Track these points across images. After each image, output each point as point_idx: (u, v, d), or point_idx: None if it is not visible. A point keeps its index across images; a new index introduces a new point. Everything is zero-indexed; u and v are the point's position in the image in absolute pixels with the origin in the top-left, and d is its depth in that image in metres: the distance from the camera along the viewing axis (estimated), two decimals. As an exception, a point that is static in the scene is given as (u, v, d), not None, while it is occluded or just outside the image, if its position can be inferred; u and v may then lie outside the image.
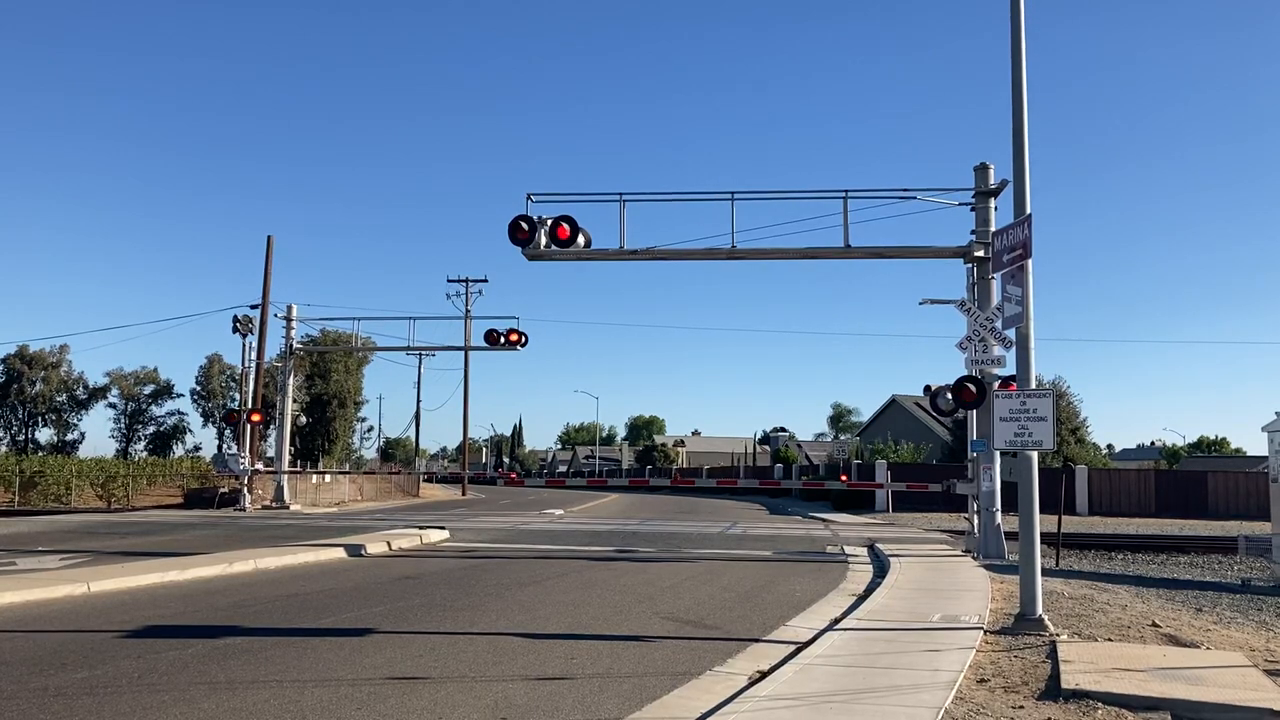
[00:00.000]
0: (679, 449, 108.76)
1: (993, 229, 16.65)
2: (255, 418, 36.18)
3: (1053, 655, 8.39)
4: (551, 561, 16.84)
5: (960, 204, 18.80)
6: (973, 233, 18.60)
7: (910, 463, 45.47)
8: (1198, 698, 6.81)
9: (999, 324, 16.53)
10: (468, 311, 43.79)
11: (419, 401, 79.37)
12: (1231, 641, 9.60)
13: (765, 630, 10.11)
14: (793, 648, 8.95)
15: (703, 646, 9.14)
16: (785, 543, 21.75)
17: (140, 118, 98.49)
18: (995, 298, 16.82)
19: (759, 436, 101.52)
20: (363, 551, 17.65)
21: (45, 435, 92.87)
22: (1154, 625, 10.30)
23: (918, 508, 35.98)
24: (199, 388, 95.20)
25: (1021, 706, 6.77)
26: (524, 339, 31.08)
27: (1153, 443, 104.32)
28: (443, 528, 22.44)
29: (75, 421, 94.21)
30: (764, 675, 7.72)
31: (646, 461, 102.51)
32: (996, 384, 16.98)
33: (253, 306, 38.70)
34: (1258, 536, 19.09)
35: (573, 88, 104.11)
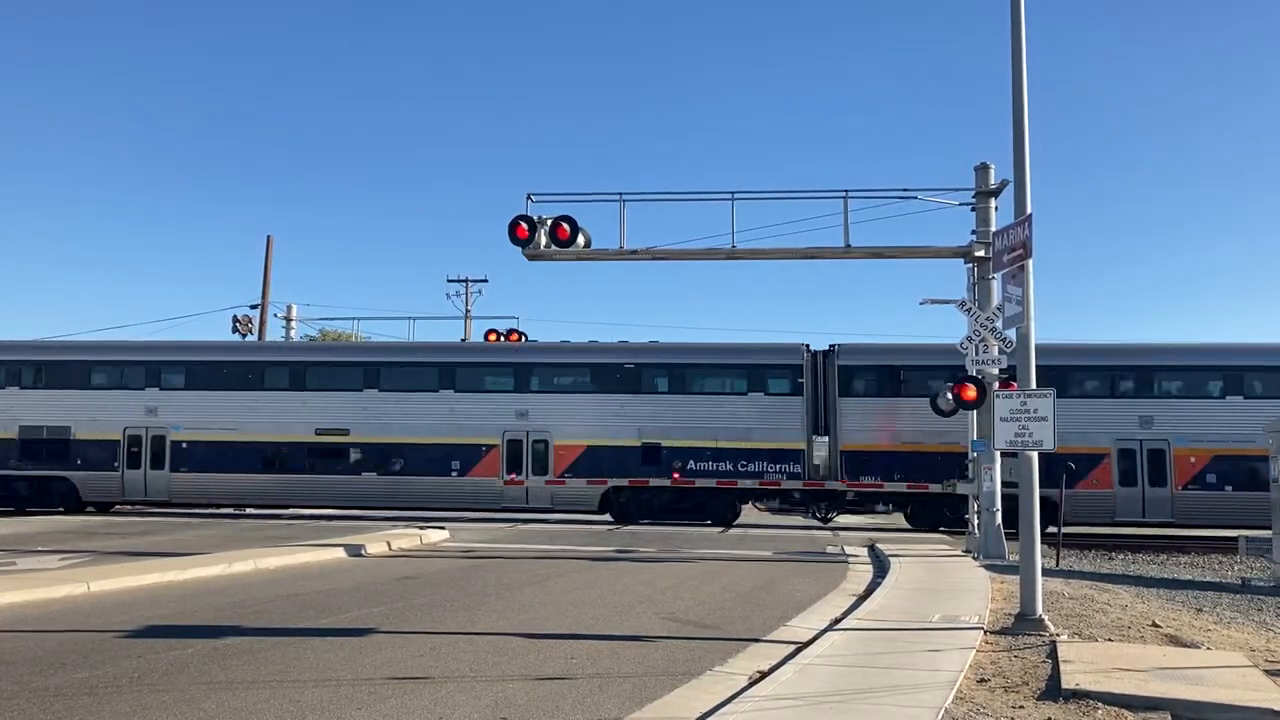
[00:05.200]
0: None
1: (993, 229, 16.65)
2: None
3: (1053, 655, 8.39)
4: (551, 561, 16.83)
5: (961, 204, 18.82)
6: (973, 233, 18.62)
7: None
8: (1198, 698, 6.81)
9: (999, 324, 16.54)
10: (468, 311, 43.70)
11: (419, 401, 79.23)
12: (1232, 641, 9.61)
13: (765, 630, 10.10)
14: (793, 648, 8.94)
15: (703, 646, 9.13)
16: (785, 543, 21.74)
17: (138, 116, 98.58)
18: (996, 298, 16.83)
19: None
20: (363, 551, 17.64)
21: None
22: (1154, 625, 10.30)
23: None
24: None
25: (1022, 706, 6.77)
26: (524, 339, 31.07)
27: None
28: (443, 528, 22.43)
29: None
30: (764, 675, 7.72)
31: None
32: (996, 384, 17.01)
33: (252, 306, 38.78)
34: (1258, 536, 19.09)
35: (574, 87, 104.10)
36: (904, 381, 26.72)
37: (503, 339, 30.88)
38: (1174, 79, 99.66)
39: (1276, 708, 6.55)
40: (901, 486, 26.18)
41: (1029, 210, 10.30)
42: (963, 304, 18.55)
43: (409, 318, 34.42)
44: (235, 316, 38.94)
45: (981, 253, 18.07)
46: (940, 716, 6.32)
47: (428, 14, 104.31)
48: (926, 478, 25.43)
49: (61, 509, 27.95)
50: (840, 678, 7.46)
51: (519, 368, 28.08)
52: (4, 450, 28.30)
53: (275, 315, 37.76)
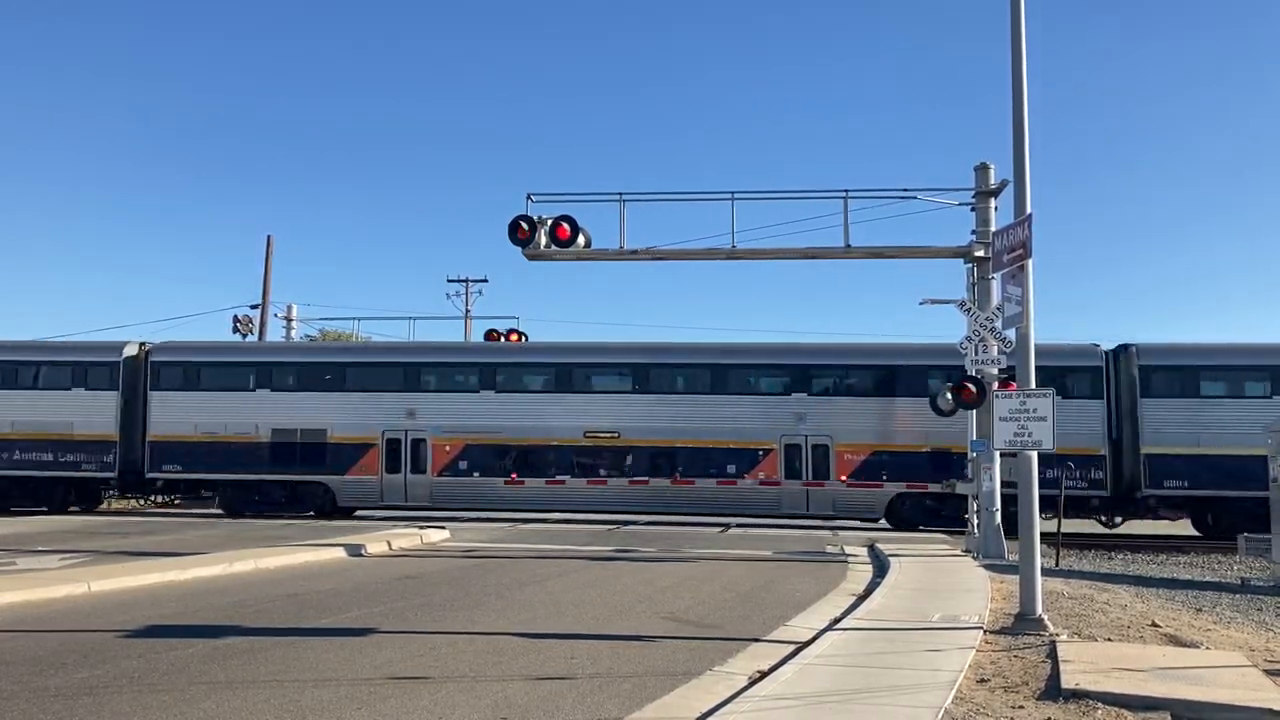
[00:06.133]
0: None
1: (993, 229, 16.64)
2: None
3: (1053, 655, 8.40)
4: (551, 561, 16.84)
5: (960, 204, 18.81)
6: (973, 233, 18.61)
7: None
8: (1198, 698, 6.82)
9: (999, 324, 16.54)
10: (468, 311, 43.70)
11: (419, 401, 79.18)
12: (1231, 641, 9.61)
13: (765, 630, 10.11)
14: (793, 647, 8.95)
15: (703, 646, 9.14)
16: (785, 542, 21.75)
17: (138, 116, 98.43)
18: (995, 298, 16.83)
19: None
20: (363, 551, 17.65)
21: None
22: (1154, 625, 10.31)
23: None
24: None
25: (1021, 706, 6.78)
26: (524, 339, 31.07)
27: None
28: (443, 527, 22.44)
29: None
30: (764, 675, 7.73)
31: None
32: (996, 384, 17.02)
33: (253, 306, 38.79)
34: (1258, 536, 19.08)
35: (574, 87, 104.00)
36: None
37: (503, 339, 30.88)
38: (1174, 79, 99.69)
39: (1276, 708, 6.56)
40: None
41: (1029, 210, 10.31)
42: (962, 304, 18.56)
43: (409, 318, 34.45)
44: (235, 316, 38.95)
45: (981, 253, 18.07)
46: (940, 716, 6.33)
47: (428, 14, 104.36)
48: None
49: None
50: (840, 677, 7.47)
51: None
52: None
53: (275, 315, 37.81)
